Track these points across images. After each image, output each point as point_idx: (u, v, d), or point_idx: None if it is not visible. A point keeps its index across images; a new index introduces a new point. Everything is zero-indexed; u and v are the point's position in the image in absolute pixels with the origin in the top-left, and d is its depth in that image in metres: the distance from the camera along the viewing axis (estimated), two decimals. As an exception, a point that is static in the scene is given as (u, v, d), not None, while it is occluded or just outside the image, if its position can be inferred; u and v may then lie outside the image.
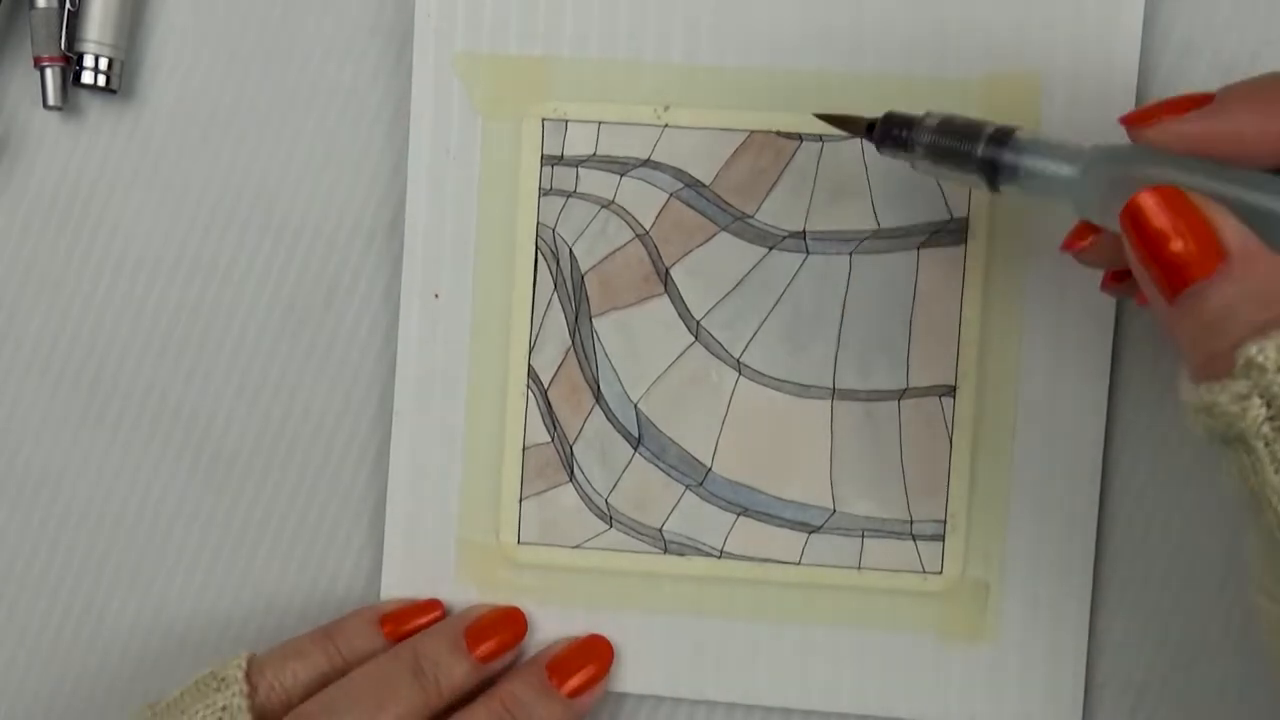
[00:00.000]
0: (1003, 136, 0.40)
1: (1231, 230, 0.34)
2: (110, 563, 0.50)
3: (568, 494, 0.48)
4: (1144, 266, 0.35)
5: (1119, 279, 0.43)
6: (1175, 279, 0.34)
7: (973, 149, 0.40)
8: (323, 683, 0.46)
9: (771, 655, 0.48)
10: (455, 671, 0.46)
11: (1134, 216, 0.35)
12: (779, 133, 0.47)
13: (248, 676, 0.45)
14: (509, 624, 0.48)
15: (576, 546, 0.48)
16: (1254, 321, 0.33)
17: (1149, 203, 0.35)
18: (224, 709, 0.44)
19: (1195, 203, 0.34)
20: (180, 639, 0.50)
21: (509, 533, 0.49)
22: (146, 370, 0.50)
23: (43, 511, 0.50)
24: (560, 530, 0.48)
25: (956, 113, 0.42)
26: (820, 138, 0.47)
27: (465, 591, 0.49)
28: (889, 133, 0.42)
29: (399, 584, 0.49)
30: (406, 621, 0.48)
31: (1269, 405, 0.33)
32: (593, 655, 0.48)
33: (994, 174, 0.40)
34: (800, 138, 0.47)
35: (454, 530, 0.49)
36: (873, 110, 0.43)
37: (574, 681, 0.47)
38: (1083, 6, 0.46)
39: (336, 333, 0.50)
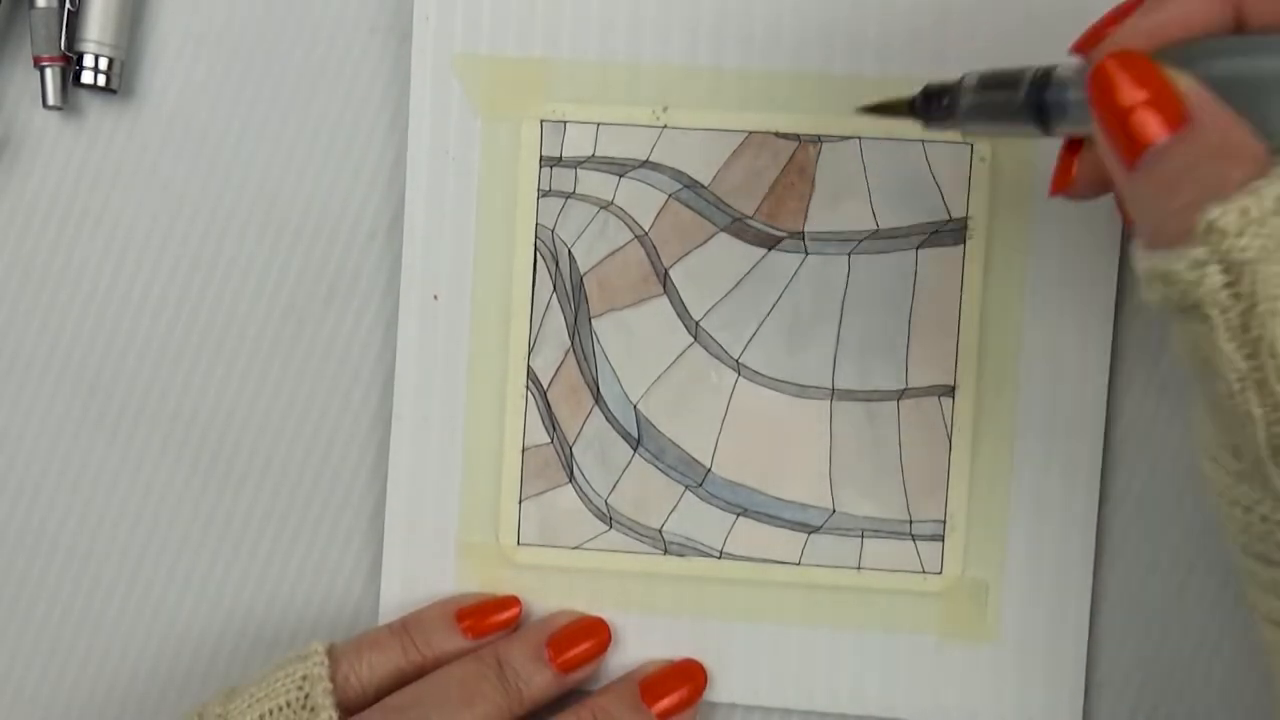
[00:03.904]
0: (1044, 77, 0.38)
1: (1193, 91, 0.33)
2: (111, 563, 0.50)
3: (567, 495, 0.48)
4: (1108, 132, 0.34)
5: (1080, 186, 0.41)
6: (1137, 139, 0.34)
7: (1016, 97, 0.38)
8: (398, 676, 0.46)
9: (771, 656, 0.48)
10: (536, 680, 0.46)
11: (1099, 81, 0.34)
12: (777, 133, 0.47)
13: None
14: (592, 634, 0.47)
15: (576, 547, 0.48)
16: (1211, 182, 0.32)
17: (1113, 66, 0.34)
18: (304, 678, 0.44)
19: (1157, 66, 0.34)
20: (180, 639, 0.50)
21: (509, 534, 0.49)
22: (146, 370, 0.50)
23: (43, 511, 0.50)
24: (560, 531, 0.48)
25: (990, 68, 0.40)
26: (819, 138, 0.47)
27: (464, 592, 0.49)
28: (931, 105, 0.41)
29: (399, 584, 0.49)
30: (484, 617, 0.47)
31: (1227, 271, 0.32)
32: (687, 679, 0.47)
33: (1044, 116, 0.38)
34: (799, 138, 0.47)
35: (454, 531, 0.49)
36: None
37: (666, 703, 0.47)
38: (1081, 6, 0.46)
39: (336, 333, 0.50)
